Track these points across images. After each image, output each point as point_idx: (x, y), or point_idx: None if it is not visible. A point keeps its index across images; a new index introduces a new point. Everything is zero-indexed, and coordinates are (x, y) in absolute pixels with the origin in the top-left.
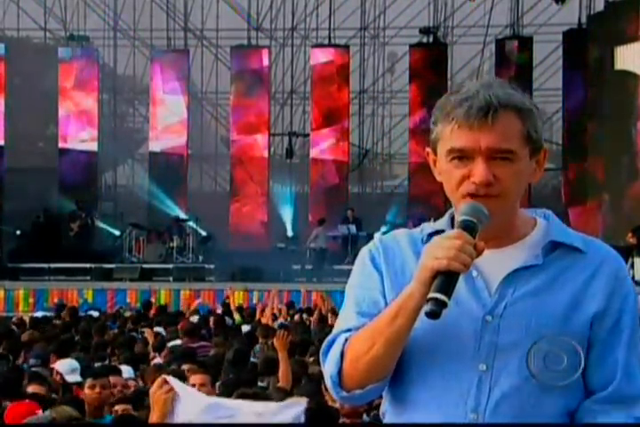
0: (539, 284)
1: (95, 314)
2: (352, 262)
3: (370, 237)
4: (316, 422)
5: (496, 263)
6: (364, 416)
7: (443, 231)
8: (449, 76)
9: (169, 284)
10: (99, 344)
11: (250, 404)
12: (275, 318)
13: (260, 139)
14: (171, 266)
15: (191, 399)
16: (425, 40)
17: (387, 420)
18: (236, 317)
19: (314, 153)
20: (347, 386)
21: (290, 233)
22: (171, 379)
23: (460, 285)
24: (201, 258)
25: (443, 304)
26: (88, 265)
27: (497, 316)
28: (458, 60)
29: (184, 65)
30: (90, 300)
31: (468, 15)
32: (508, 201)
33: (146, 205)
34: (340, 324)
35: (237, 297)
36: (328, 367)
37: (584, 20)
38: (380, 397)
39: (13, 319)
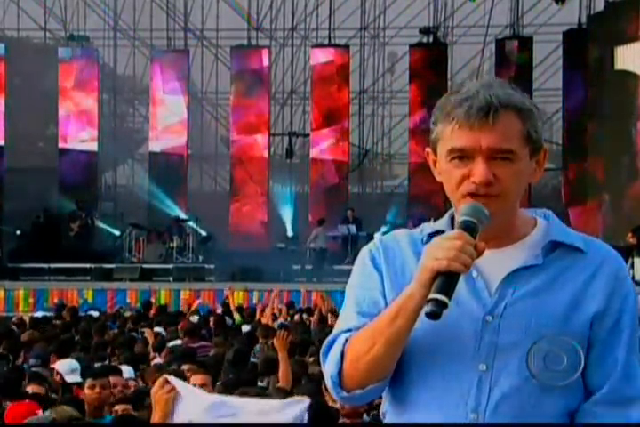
0: (539, 284)
1: (95, 314)
2: (352, 262)
3: (370, 237)
4: (315, 422)
5: (496, 263)
6: (365, 416)
7: (443, 232)
8: (449, 76)
9: (169, 284)
10: (99, 344)
11: (253, 401)
12: (275, 318)
13: (260, 139)
14: (171, 266)
15: (194, 398)
16: (425, 40)
17: (387, 420)
18: (236, 317)
19: (314, 153)
20: (347, 386)
21: (290, 233)
22: (172, 378)
23: (461, 285)
24: (201, 258)
25: (443, 305)
26: (88, 265)
27: (497, 316)
28: (458, 60)
29: (184, 65)
30: (90, 300)
31: (468, 15)
32: (508, 201)
33: (146, 205)
34: (340, 324)
35: (237, 297)
36: (328, 367)
37: (584, 20)
38: (381, 397)
39: (13, 319)
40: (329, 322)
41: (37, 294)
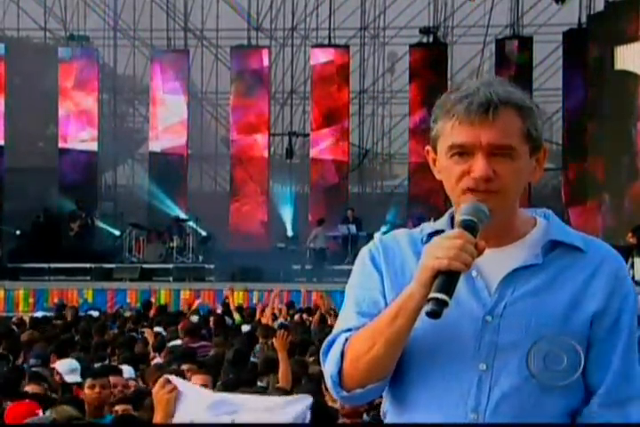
0: (538, 283)
1: (95, 314)
2: (352, 262)
3: (370, 237)
4: (315, 422)
5: (496, 263)
6: (365, 416)
7: (442, 231)
8: (449, 75)
9: (169, 284)
10: (99, 344)
11: (255, 398)
12: (275, 318)
13: (260, 139)
14: (171, 266)
15: (196, 396)
16: (425, 40)
17: (388, 420)
18: (236, 317)
19: (314, 153)
20: (347, 386)
21: (290, 233)
22: (173, 378)
23: (460, 285)
24: (201, 258)
25: (444, 304)
26: (88, 265)
27: (497, 316)
28: (458, 60)
29: (184, 65)
30: (90, 300)
31: (468, 15)
32: (507, 198)
33: (146, 205)
34: (340, 324)
35: (237, 297)
36: (328, 367)
37: (584, 19)
38: (381, 397)
39: (13, 319)
40: (329, 322)
41: (37, 294)
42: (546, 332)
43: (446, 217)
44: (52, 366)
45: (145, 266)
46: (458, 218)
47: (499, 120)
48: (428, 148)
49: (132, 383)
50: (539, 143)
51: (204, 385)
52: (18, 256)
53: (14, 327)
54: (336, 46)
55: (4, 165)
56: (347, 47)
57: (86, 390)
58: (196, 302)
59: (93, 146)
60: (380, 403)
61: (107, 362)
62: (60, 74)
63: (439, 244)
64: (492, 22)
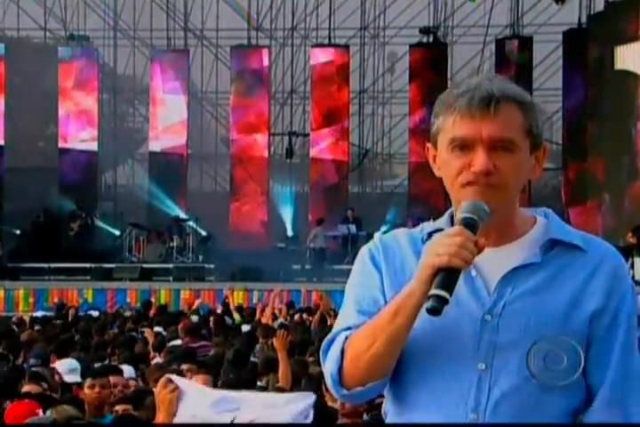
0: (538, 282)
1: (95, 314)
2: (352, 262)
3: (370, 237)
4: (315, 422)
5: (495, 262)
6: (365, 416)
7: (442, 230)
8: (449, 75)
9: (169, 284)
10: (99, 344)
11: (256, 396)
12: (275, 317)
13: (260, 139)
14: (171, 266)
15: (197, 394)
16: (425, 40)
17: (388, 420)
18: (236, 317)
19: (314, 153)
20: (347, 384)
21: (290, 233)
22: (175, 377)
23: (460, 284)
24: (201, 258)
25: (444, 301)
26: (88, 265)
27: (496, 315)
28: (458, 60)
29: (184, 65)
30: (90, 300)
31: (468, 15)
32: (507, 193)
33: (146, 205)
34: (339, 322)
35: (237, 297)
36: (328, 365)
37: (584, 19)
38: (382, 396)
39: (13, 319)
40: (329, 322)
41: (37, 293)
42: (545, 331)
43: (446, 216)
44: (51, 365)
45: (145, 266)
46: (458, 216)
47: (500, 114)
48: (429, 144)
49: (132, 383)
50: (539, 140)
51: (204, 385)
52: (18, 256)
53: (14, 327)
54: (336, 46)
55: (4, 165)
56: (347, 47)
57: (86, 390)
58: (196, 302)
59: (93, 146)
60: (381, 403)
61: (107, 362)
62: (60, 74)
63: (439, 241)
64: (492, 22)
